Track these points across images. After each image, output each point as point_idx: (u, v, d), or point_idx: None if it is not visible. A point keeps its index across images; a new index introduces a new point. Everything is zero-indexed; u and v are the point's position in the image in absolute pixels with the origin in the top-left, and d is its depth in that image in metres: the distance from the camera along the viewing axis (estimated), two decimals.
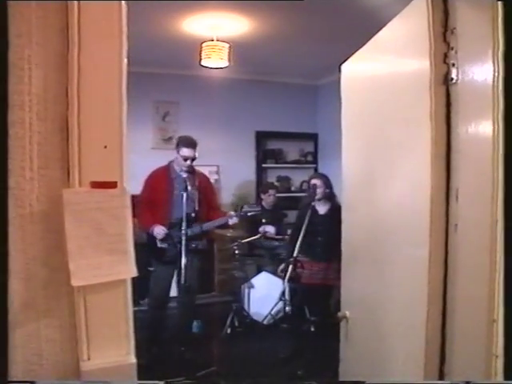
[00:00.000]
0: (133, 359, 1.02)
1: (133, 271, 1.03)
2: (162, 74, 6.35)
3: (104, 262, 0.95)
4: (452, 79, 1.40)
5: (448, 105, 1.42)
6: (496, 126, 1.18)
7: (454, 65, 1.39)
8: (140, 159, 4.75)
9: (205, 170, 6.57)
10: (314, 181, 4.58)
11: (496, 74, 1.18)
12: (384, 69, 1.89)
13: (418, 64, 1.52)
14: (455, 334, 1.47)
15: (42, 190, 1.01)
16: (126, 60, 1.04)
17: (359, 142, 2.15)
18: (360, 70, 2.16)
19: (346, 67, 2.27)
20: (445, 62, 1.42)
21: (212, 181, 6.62)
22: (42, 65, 0.99)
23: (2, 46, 0.97)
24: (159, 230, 4.10)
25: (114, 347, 0.99)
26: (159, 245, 4.13)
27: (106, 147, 0.96)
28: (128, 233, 1.01)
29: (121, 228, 0.98)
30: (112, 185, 0.97)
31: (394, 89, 1.75)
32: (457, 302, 1.44)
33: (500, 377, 1.21)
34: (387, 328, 1.86)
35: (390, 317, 1.85)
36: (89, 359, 0.99)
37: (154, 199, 4.21)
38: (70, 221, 0.97)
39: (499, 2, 1.20)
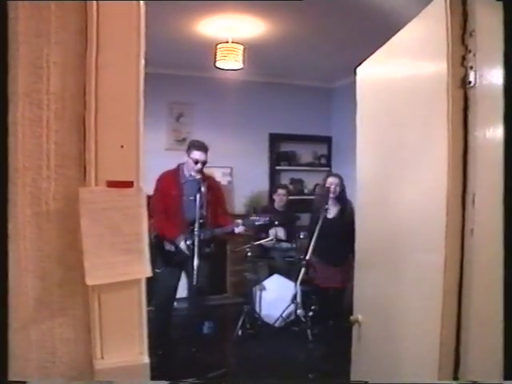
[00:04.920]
0: (146, 359, 1.02)
1: (147, 271, 1.02)
2: (176, 76, 6.37)
3: (119, 261, 0.95)
4: (470, 82, 1.38)
5: (465, 108, 1.41)
6: None
7: (471, 68, 1.38)
8: (153, 160, 4.72)
9: (218, 172, 6.61)
10: (331, 179, 4.57)
11: None
12: (400, 72, 1.88)
13: (435, 67, 1.51)
14: (470, 340, 1.45)
15: (58, 188, 1.01)
16: (143, 61, 1.05)
17: (374, 145, 2.14)
18: (376, 73, 2.15)
19: (361, 70, 2.27)
20: (462, 64, 1.40)
21: (225, 183, 6.66)
22: (60, 64, 1.00)
23: (2, 45, 0.97)
24: (179, 240, 4.11)
25: (127, 347, 0.99)
26: (167, 248, 4.13)
27: (122, 147, 0.96)
28: (143, 232, 1.01)
29: (136, 227, 0.98)
30: (128, 184, 0.97)
31: (411, 92, 1.74)
32: (472, 308, 1.42)
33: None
34: (400, 332, 1.85)
35: (403, 321, 1.83)
36: (102, 358, 1.00)
37: (165, 202, 4.20)
38: (86, 219, 0.97)
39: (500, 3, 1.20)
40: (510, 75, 1.22)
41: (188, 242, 4.03)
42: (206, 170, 5.59)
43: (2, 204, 0.99)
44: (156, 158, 5.26)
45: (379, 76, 2.11)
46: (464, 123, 1.41)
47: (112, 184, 0.95)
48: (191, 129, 6.41)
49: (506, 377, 1.09)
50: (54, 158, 1.01)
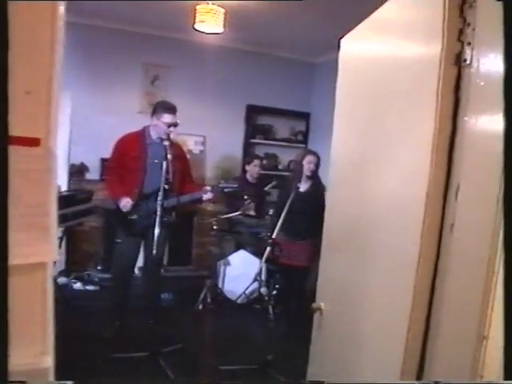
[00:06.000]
0: (48, 362, 0.84)
1: (53, 254, 0.82)
2: (153, 36, 6.09)
3: (18, 239, 0.76)
4: (465, 60, 1.22)
5: (457, 90, 1.25)
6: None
7: (469, 44, 1.22)
8: (125, 122, 4.56)
9: (190, 140, 6.41)
10: (310, 157, 4.40)
11: None
12: (387, 46, 1.71)
13: (428, 42, 1.34)
14: (438, 343, 1.33)
15: None
16: None
17: (352, 124, 1.98)
18: (360, 47, 1.97)
19: (345, 43, 2.08)
20: (459, 39, 1.24)
21: (197, 152, 6.46)
22: None
23: (2, 45, 0.83)
24: (125, 203, 3.89)
25: (26, 345, 0.80)
26: (129, 216, 3.93)
27: (28, 93, 0.76)
28: (50, 204, 0.81)
29: (41, 198, 0.78)
30: (33, 142, 0.77)
31: (397, 69, 1.58)
32: (443, 309, 1.30)
33: None
34: (364, 327, 1.72)
35: (368, 315, 1.71)
36: None
37: (124, 166, 3.97)
38: None
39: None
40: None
41: (147, 210, 3.84)
42: (178, 138, 5.44)
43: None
44: (128, 120, 5.07)
45: (364, 50, 1.93)
46: (454, 107, 1.26)
47: (15, 141, 0.75)
48: (166, 93, 6.15)
49: (507, 377, 1.00)
50: None
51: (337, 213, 2.11)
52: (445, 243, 1.28)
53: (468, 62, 1.21)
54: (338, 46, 2.14)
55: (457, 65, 1.24)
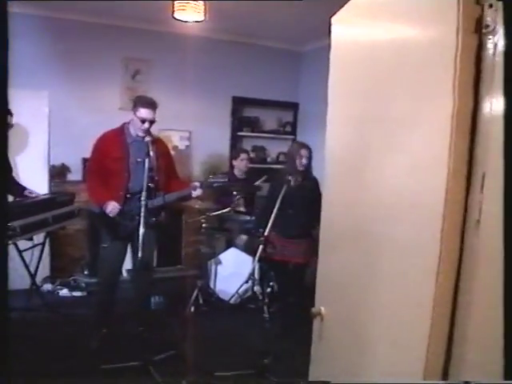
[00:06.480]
0: None
1: None
2: (133, 29, 5.87)
3: None
4: (487, 26, 1.03)
5: (478, 62, 1.06)
6: None
7: (491, 6, 1.03)
8: (106, 120, 4.33)
9: (175, 135, 6.20)
10: (303, 151, 4.21)
11: None
12: (389, 21, 1.50)
13: (440, 8, 1.15)
14: (465, 346, 1.14)
15: None
16: None
17: (348, 115, 1.77)
18: (356, 26, 1.77)
19: (337, 27, 1.88)
20: (478, 2, 1.05)
21: (183, 147, 6.25)
22: None
23: (3, 45, 0.91)
24: (112, 208, 3.66)
25: None
26: (115, 220, 3.71)
27: None
28: None
29: None
30: None
31: (402, 45, 1.38)
32: (470, 321, 1.11)
33: None
34: (371, 336, 1.54)
35: (376, 322, 1.52)
36: None
37: (106, 168, 3.73)
38: None
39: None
40: None
41: (133, 211, 3.63)
42: (162, 134, 5.23)
43: None
44: (109, 117, 4.83)
45: (359, 30, 1.73)
46: (475, 83, 1.07)
47: None
48: (148, 88, 5.94)
49: (507, 377, 0.97)
50: None
51: (335, 209, 1.91)
52: (469, 243, 1.09)
53: (491, 27, 1.02)
54: (329, 31, 1.94)
55: (477, 32, 1.05)
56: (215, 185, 3.84)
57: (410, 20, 1.33)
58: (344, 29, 1.85)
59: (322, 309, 1.93)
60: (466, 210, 1.09)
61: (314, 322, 2.01)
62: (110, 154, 3.70)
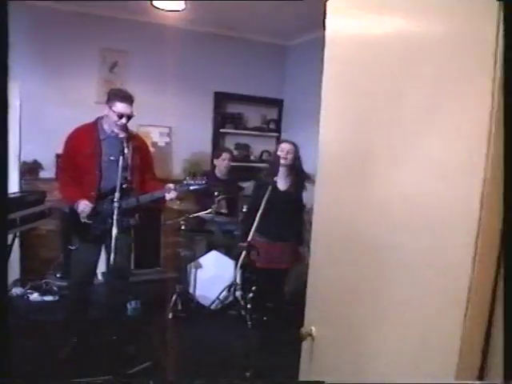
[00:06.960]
0: None
1: None
2: (111, 18, 5.58)
3: None
4: None
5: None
6: None
7: None
8: (82, 114, 4.05)
9: (155, 132, 5.93)
10: (284, 145, 3.95)
11: None
12: (402, 6, 1.28)
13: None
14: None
15: None
16: None
17: (349, 112, 1.55)
18: (354, 25, 1.54)
19: (332, 20, 1.65)
20: None
21: (162, 144, 5.98)
22: None
23: (3, 45, 0.89)
24: (84, 207, 3.43)
25: None
26: (83, 220, 3.46)
27: None
28: None
29: None
30: None
31: (416, 39, 1.16)
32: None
33: None
34: (373, 356, 1.32)
35: (376, 342, 1.31)
36: None
37: (77, 165, 3.48)
38: None
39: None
40: None
41: (105, 212, 3.38)
42: (141, 130, 4.96)
43: None
44: (85, 111, 4.52)
45: (360, 27, 1.50)
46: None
47: None
48: (126, 80, 5.65)
49: (507, 377, 0.92)
50: None
51: (330, 215, 1.69)
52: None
53: None
54: (323, 24, 1.72)
55: None
56: (191, 188, 3.57)
57: (429, 9, 1.11)
58: (342, 19, 1.62)
59: (313, 328, 1.72)
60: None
61: (302, 343, 1.79)
62: (81, 150, 3.45)
